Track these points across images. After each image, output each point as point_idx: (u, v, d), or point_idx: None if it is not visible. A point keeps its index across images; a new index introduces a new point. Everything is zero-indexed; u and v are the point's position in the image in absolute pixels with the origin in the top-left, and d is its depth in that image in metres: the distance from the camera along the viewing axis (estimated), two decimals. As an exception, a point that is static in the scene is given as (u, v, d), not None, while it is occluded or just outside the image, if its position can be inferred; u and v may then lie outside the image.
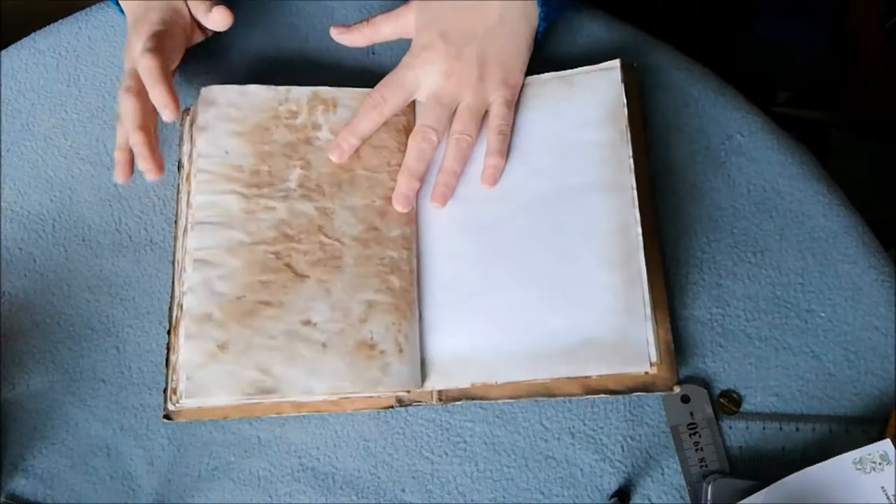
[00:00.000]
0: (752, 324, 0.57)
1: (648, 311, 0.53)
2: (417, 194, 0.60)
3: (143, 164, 0.58)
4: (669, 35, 0.65)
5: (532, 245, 0.57)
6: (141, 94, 0.58)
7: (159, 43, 0.59)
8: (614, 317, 0.54)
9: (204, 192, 0.59)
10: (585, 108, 0.59)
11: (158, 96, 0.57)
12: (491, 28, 0.59)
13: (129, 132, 0.59)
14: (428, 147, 0.59)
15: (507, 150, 0.59)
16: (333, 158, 0.60)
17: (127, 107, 0.58)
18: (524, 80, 0.61)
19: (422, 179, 0.59)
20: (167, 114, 0.57)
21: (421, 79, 0.60)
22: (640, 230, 0.55)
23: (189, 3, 0.62)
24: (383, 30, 0.63)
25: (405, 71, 0.61)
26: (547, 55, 0.64)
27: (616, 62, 0.60)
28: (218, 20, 0.61)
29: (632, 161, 0.57)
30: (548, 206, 0.58)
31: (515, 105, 0.60)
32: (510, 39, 0.60)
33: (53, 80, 0.69)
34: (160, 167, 0.59)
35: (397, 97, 0.60)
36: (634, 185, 0.56)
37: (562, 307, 0.55)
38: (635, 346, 0.53)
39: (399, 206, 0.59)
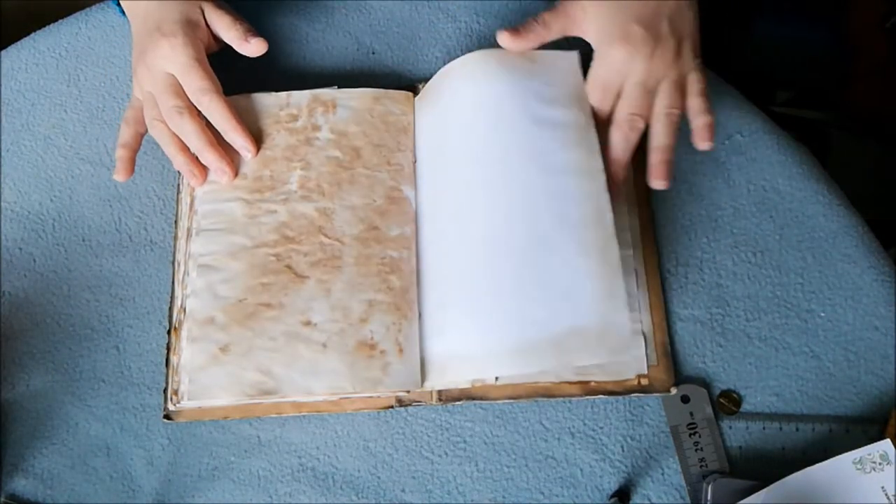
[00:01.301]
0: (752, 324, 0.57)
1: (623, 294, 0.52)
2: (416, 191, 0.60)
3: (222, 173, 0.61)
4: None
5: (512, 233, 0.55)
6: (195, 112, 0.60)
7: (213, 76, 0.60)
8: (597, 304, 0.52)
9: (209, 200, 0.60)
10: (549, 86, 0.59)
11: (236, 140, 0.60)
12: (672, 3, 0.58)
13: (200, 150, 0.60)
14: (634, 135, 0.57)
15: (712, 110, 0.57)
16: (658, 185, 0.57)
17: (190, 127, 0.59)
18: (487, 51, 0.60)
19: (627, 168, 0.57)
20: (250, 157, 0.61)
21: (628, 71, 0.58)
22: (611, 216, 0.54)
23: (215, 25, 0.62)
24: (554, 27, 0.60)
25: (608, 73, 0.58)
26: (547, 55, 0.65)
27: (574, 53, 0.60)
28: (255, 50, 0.61)
29: (598, 146, 0.56)
30: (524, 190, 0.56)
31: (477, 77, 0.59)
32: (690, 8, 0.59)
33: (53, 80, 0.69)
34: (233, 165, 0.61)
35: (608, 99, 0.58)
36: (602, 170, 0.56)
37: (545, 297, 0.53)
38: (619, 333, 0.52)
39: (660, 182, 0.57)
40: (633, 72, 0.57)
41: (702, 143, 0.57)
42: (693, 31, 0.59)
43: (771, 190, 0.60)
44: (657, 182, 0.56)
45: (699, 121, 0.57)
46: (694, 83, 0.58)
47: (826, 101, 1.12)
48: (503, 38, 0.59)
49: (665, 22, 0.58)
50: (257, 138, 0.61)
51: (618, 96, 0.58)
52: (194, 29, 0.60)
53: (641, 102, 0.57)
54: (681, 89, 0.58)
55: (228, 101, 0.60)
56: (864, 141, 1.08)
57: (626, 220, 0.59)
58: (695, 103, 0.57)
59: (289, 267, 0.58)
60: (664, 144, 0.57)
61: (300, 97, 0.63)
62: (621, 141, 0.57)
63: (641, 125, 0.57)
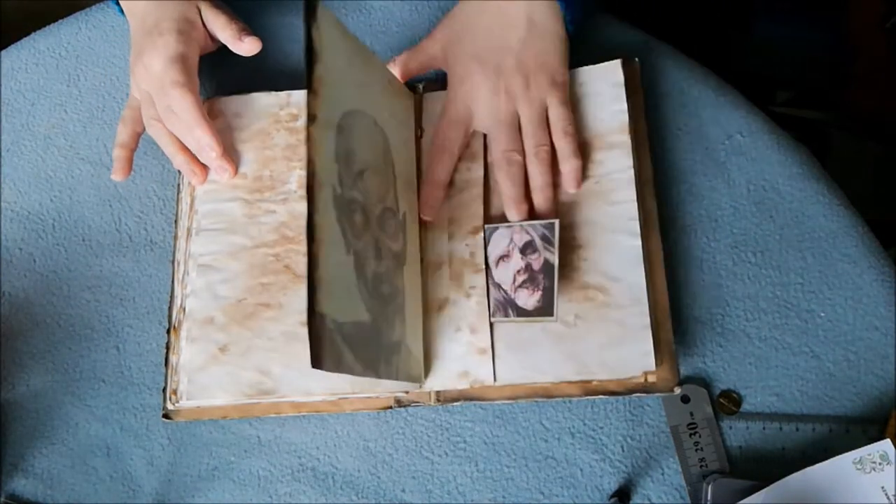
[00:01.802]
0: (752, 324, 0.57)
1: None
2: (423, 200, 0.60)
3: (223, 172, 0.61)
4: (669, 35, 0.65)
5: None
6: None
7: (188, 71, 0.60)
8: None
9: (209, 200, 0.60)
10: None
11: (203, 136, 0.59)
12: (522, 36, 0.58)
13: (197, 151, 0.60)
14: (517, 170, 0.58)
15: (578, 149, 0.58)
16: (427, 217, 0.59)
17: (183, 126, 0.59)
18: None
19: (525, 201, 0.58)
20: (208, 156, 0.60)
21: (472, 106, 0.59)
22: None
23: (211, 25, 0.62)
24: (412, 66, 0.62)
25: (454, 105, 0.60)
26: (547, 55, 0.65)
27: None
28: (248, 49, 0.61)
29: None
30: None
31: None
32: (545, 40, 0.59)
33: (53, 80, 0.69)
34: (233, 162, 0.61)
35: (458, 133, 0.59)
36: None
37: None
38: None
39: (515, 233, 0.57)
40: (479, 108, 0.59)
41: (570, 187, 0.58)
42: (549, 61, 0.59)
43: (771, 190, 0.60)
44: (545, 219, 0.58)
45: (567, 166, 0.58)
46: (557, 120, 0.58)
47: (826, 101, 1.12)
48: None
49: (510, 56, 0.58)
50: (256, 137, 0.61)
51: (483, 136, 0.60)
52: (190, 28, 0.60)
53: (508, 137, 0.58)
54: (542, 124, 0.59)
55: (198, 100, 0.59)
56: (864, 141, 1.08)
57: (635, 209, 0.58)
58: (561, 146, 0.58)
59: (288, 267, 0.58)
60: (541, 184, 0.58)
61: (300, 96, 0.63)
62: (507, 180, 0.58)
63: (519, 158, 0.58)
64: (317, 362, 0.42)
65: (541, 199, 0.58)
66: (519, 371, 0.55)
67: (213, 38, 0.63)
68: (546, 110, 0.59)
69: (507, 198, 0.58)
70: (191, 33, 0.60)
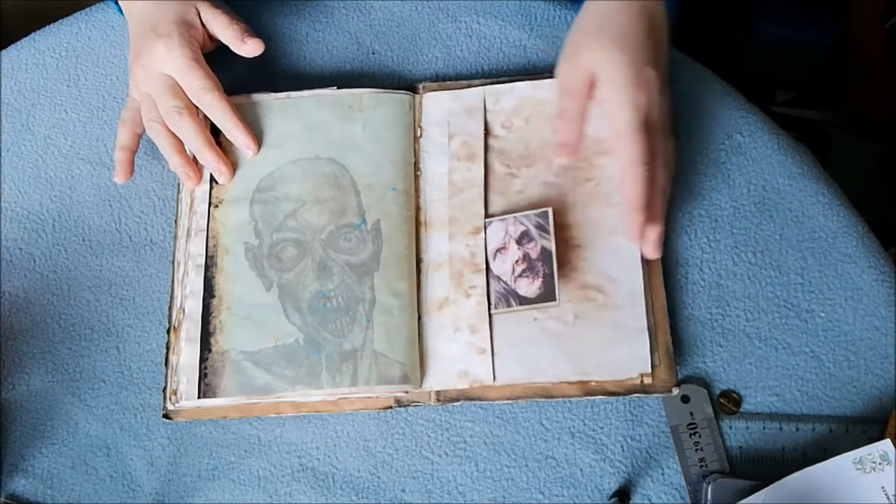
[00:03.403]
0: (752, 324, 0.57)
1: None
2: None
3: (221, 174, 0.61)
4: (669, 35, 0.65)
5: None
6: (194, 111, 0.60)
7: (212, 76, 0.60)
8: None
9: (208, 199, 0.60)
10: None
11: (237, 138, 0.60)
12: (659, 40, 0.56)
13: (197, 150, 0.60)
14: (650, 175, 0.53)
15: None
16: (563, 159, 0.57)
17: (188, 127, 0.59)
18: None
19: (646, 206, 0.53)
20: (250, 154, 0.61)
21: (645, 111, 0.53)
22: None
23: (211, 26, 0.62)
24: (580, 97, 0.56)
25: (627, 111, 0.53)
26: (547, 56, 0.65)
27: None
28: (251, 50, 0.61)
29: None
30: None
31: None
32: (665, 39, 0.56)
33: (53, 80, 0.69)
34: (229, 165, 0.61)
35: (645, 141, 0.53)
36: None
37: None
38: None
39: (649, 249, 0.55)
40: (648, 111, 0.53)
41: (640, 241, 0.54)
42: (667, 61, 0.56)
43: (771, 190, 0.60)
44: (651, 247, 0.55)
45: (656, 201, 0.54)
46: (662, 149, 0.54)
47: (826, 101, 1.12)
48: (559, 159, 0.57)
49: (665, 66, 0.56)
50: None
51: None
52: (189, 29, 0.60)
53: (649, 145, 0.53)
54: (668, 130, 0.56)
55: (230, 100, 0.60)
56: (864, 141, 1.08)
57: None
58: (659, 176, 0.54)
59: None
60: (664, 186, 0.55)
61: (301, 97, 0.63)
62: (636, 181, 0.52)
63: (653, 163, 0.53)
64: (211, 391, 0.55)
65: (661, 203, 0.55)
66: (518, 371, 0.55)
67: (211, 38, 0.63)
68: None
69: (631, 206, 0.53)
70: (191, 34, 0.60)
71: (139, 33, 0.61)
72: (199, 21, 0.61)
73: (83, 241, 0.64)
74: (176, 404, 0.56)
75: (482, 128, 0.61)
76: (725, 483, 0.53)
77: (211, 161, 0.60)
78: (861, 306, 0.57)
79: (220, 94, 0.59)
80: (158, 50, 0.59)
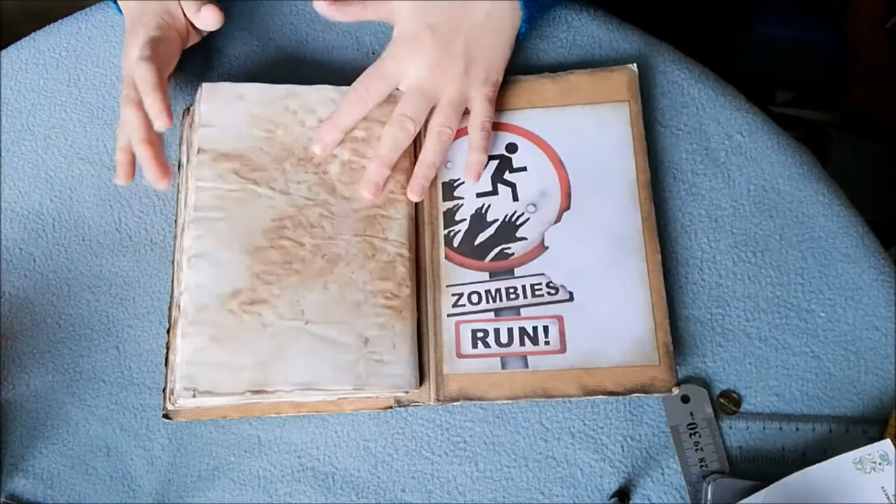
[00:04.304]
0: (752, 324, 0.57)
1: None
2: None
3: (152, 175, 0.58)
4: (669, 35, 0.65)
5: None
6: (141, 104, 0.58)
7: (154, 50, 0.58)
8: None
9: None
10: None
11: (151, 105, 0.57)
12: (477, 25, 0.59)
13: (133, 144, 0.58)
14: (403, 136, 0.59)
15: (489, 147, 0.60)
16: (317, 151, 0.59)
17: (129, 118, 0.58)
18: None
19: (392, 167, 0.59)
20: (159, 124, 0.57)
21: (405, 70, 0.60)
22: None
23: (182, 3, 0.62)
24: (370, 11, 0.62)
25: (390, 62, 0.60)
26: (546, 56, 0.65)
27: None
28: (208, 19, 0.61)
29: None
30: None
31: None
32: (496, 37, 0.60)
33: (53, 80, 0.69)
34: (168, 174, 0.59)
35: (381, 88, 0.60)
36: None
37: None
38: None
39: (367, 193, 0.58)
40: (410, 74, 0.59)
41: (467, 178, 0.60)
42: (492, 58, 0.60)
43: (771, 190, 0.60)
44: (411, 194, 0.59)
45: (470, 157, 0.59)
46: (478, 113, 0.60)
47: (826, 101, 1.12)
48: (319, 6, 0.61)
49: (460, 39, 0.59)
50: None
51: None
52: (171, 20, 0.61)
53: (416, 106, 0.59)
54: (459, 110, 0.60)
55: (157, 71, 0.58)
56: (864, 141, 1.08)
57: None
58: (473, 137, 0.60)
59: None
60: (429, 161, 0.59)
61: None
62: (389, 138, 0.59)
63: (411, 128, 0.59)
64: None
65: (420, 172, 0.59)
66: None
67: (196, 30, 0.64)
68: (468, 103, 0.60)
69: (377, 155, 0.58)
70: (171, 24, 0.61)
71: (129, 27, 0.62)
72: (181, 13, 0.62)
73: (83, 241, 0.64)
74: (175, 404, 0.56)
75: None
76: (725, 483, 0.53)
77: (142, 156, 0.58)
78: (861, 306, 0.57)
79: (150, 64, 0.57)
80: (138, 38, 0.60)
